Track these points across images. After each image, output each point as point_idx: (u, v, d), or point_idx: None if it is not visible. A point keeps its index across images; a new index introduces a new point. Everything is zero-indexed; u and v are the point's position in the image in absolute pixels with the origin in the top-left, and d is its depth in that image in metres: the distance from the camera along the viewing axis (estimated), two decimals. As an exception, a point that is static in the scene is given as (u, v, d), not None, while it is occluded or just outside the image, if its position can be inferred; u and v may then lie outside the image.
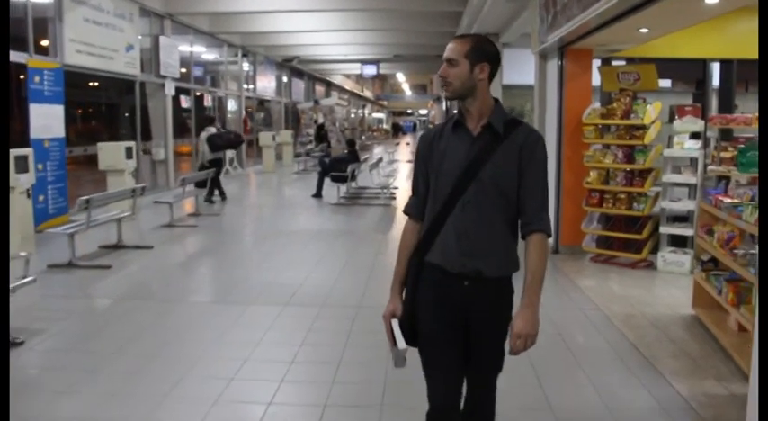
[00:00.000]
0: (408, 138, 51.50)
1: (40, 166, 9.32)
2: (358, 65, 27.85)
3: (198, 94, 18.02)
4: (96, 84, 14.34)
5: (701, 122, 7.32)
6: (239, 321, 5.50)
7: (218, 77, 20.60)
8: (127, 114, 15.05)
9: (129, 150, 11.09)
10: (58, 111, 10.29)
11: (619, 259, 7.67)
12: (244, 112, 21.70)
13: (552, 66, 8.62)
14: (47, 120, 9.95)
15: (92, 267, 7.42)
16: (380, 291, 6.44)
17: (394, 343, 2.47)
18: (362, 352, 4.76)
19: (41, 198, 9.58)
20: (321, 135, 25.53)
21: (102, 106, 16.74)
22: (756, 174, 4.68)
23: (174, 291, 6.73)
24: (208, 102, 19.37)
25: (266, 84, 24.92)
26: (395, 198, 13.91)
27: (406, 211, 2.65)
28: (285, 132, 23.97)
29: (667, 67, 8.65)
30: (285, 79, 27.75)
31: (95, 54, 11.86)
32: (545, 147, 2.51)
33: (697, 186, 7.07)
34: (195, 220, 10.87)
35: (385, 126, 66.50)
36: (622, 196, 7.53)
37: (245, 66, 22.39)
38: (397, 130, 63.16)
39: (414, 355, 2.51)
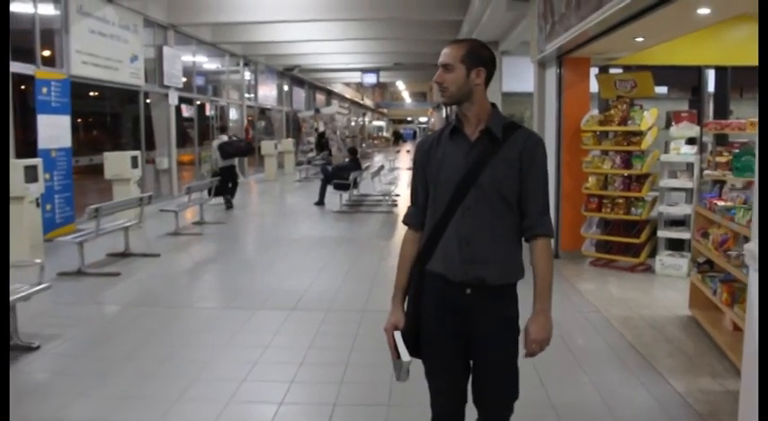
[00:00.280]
0: (408, 146, 51.71)
1: (47, 176, 9.46)
2: (358, 73, 28.04)
3: (199, 103, 18.18)
4: (96, 93, 14.48)
5: (697, 128, 7.47)
6: (247, 325, 5.64)
7: (219, 87, 20.78)
8: (129, 124, 15.22)
9: (134, 160, 11.24)
10: (65, 121, 10.45)
11: (618, 263, 7.81)
12: (246, 121, 21.87)
13: (551, 74, 8.78)
14: (54, 130, 10.12)
15: (101, 275, 7.56)
16: (384, 297, 6.58)
17: (397, 356, 2.44)
18: (369, 354, 4.89)
19: (48, 207, 9.72)
20: (322, 143, 25.69)
21: (104, 116, 16.89)
22: (751, 179, 4.82)
23: (181, 297, 6.88)
24: (211, 111, 19.53)
25: (267, 92, 25.11)
26: (396, 205, 14.05)
27: (405, 221, 2.62)
28: (287, 141, 24.15)
29: (664, 74, 8.82)
30: (286, 88, 27.94)
31: (101, 65, 12.03)
32: (545, 150, 2.50)
33: (693, 191, 7.21)
34: (200, 228, 11.02)
35: (385, 134, 66.67)
36: (620, 201, 7.67)
37: (247, 75, 22.58)
38: (398, 138, 63.26)
39: (417, 363, 2.49)
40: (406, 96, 63.88)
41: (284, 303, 6.33)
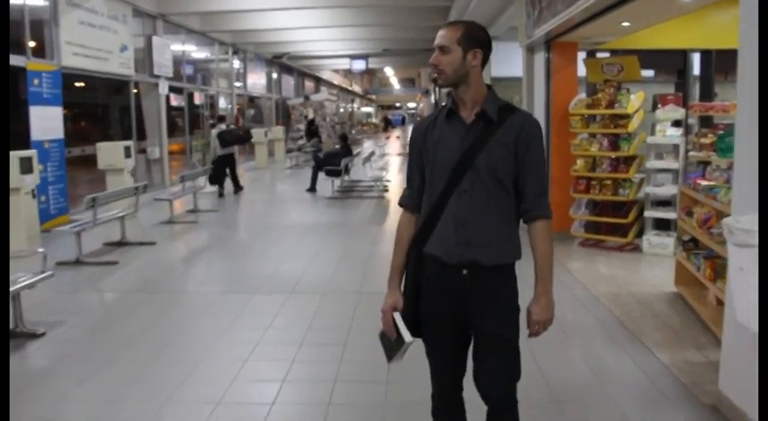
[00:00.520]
0: (398, 132, 51.73)
1: (41, 167, 9.53)
2: (347, 60, 28.03)
3: (188, 92, 18.22)
4: (86, 84, 14.48)
5: (682, 110, 7.63)
6: (246, 309, 5.79)
7: (209, 75, 20.79)
8: (120, 114, 15.26)
9: (127, 149, 11.32)
10: (57, 112, 10.51)
11: (606, 243, 7.99)
12: (236, 110, 21.90)
13: (539, 58, 8.92)
14: (46, 121, 10.17)
15: (99, 264, 7.67)
16: (379, 279, 6.72)
17: (397, 336, 2.46)
18: (367, 334, 5.00)
19: (43, 198, 9.79)
20: (312, 130, 25.73)
21: (95, 107, 16.91)
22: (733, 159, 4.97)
23: (180, 283, 7.03)
24: (200, 99, 19.56)
25: (256, 80, 25.10)
26: (388, 190, 14.18)
27: (401, 203, 2.61)
28: (277, 128, 24.20)
29: (650, 57, 8.99)
30: (275, 76, 27.93)
31: (91, 56, 12.04)
32: (542, 133, 2.49)
33: (679, 171, 7.38)
34: (194, 216, 11.12)
35: (374, 120, 66.61)
36: (608, 182, 7.84)
37: (236, 63, 22.58)
38: (388, 124, 63.17)
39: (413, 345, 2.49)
40: (395, 82, 63.76)
41: (282, 287, 6.48)
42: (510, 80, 13.08)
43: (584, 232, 8.24)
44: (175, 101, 17.42)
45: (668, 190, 7.63)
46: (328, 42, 23.10)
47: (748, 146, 3.31)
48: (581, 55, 8.80)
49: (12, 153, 8.28)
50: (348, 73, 42.72)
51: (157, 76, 15.01)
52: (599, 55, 8.92)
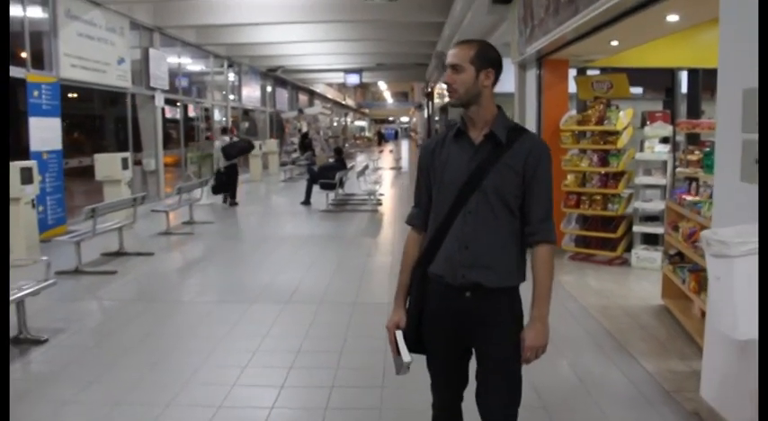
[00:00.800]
0: (391, 146, 52.03)
1: (39, 178, 9.65)
2: (341, 74, 28.29)
3: (183, 104, 18.35)
4: (83, 96, 14.60)
5: (670, 127, 7.83)
6: (244, 317, 5.92)
7: (203, 88, 20.96)
8: (116, 126, 15.39)
9: (124, 161, 11.46)
10: (56, 123, 10.64)
11: (596, 257, 8.16)
12: (230, 122, 22.05)
13: (531, 75, 9.13)
14: (45, 133, 10.30)
15: (98, 273, 7.79)
16: (373, 290, 6.96)
17: (398, 353, 2.47)
18: (362, 341, 5.20)
19: (41, 208, 9.90)
20: (306, 144, 25.90)
21: (87, 118, 17.02)
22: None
23: (178, 293, 7.15)
24: (195, 112, 19.71)
25: (251, 93, 25.29)
26: (381, 204, 14.34)
27: (408, 222, 2.63)
28: (271, 141, 24.36)
29: (639, 75, 9.21)
30: (269, 89, 28.12)
31: (89, 68, 12.19)
32: (551, 156, 2.46)
33: (667, 187, 7.57)
34: (190, 228, 11.24)
35: (367, 134, 66.89)
36: (598, 198, 8.03)
37: (231, 76, 22.76)
38: (381, 138, 63.46)
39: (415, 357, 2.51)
40: (388, 96, 64.20)
41: (278, 297, 6.62)
42: (502, 96, 13.20)
43: (574, 246, 8.40)
44: (170, 113, 17.56)
45: (656, 205, 7.81)
46: (322, 56, 23.33)
47: (727, 162, 3.49)
48: (572, 72, 9.02)
49: (12, 163, 8.41)
50: (342, 87, 43.07)
51: (154, 89, 15.17)
52: (589, 72, 9.15)
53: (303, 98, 36.24)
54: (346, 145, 42.72)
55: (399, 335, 2.50)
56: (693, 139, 7.70)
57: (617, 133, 7.87)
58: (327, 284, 7.21)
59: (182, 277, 8.05)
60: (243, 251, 9.72)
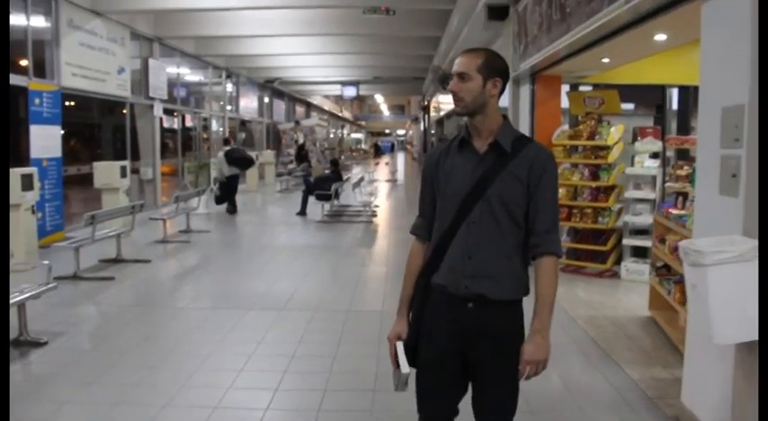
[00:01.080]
0: (387, 158, 52.26)
1: (39, 185, 9.77)
2: (338, 86, 28.50)
3: (176, 113, 18.50)
4: (82, 104, 14.73)
5: (660, 143, 8.00)
6: (240, 323, 6.04)
7: (201, 98, 21.12)
8: (114, 135, 15.50)
9: (123, 169, 11.60)
10: (56, 131, 10.79)
11: (586, 269, 8.29)
12: (227, 133, 22.19)
13: (525, 90, 9.31)
14: (45, 140, 10.44)
15: (96, 279, 7.90)
16: (367, 298, 7.09)
17: (397, 365, 2.44)
18: (355, 347, 5.33)
19: (39, 215, 10.00)
20: (302, 155, 26.07)
21: (84, 126, 17.10)
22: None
23: (175, 299, 7.27)
24: (194, 122, 19.86)
25: (248, 104, 25.47)
26: (376, 215, 14.48)
27: (413, 232, 2.60)
28: (267, 152, 24.52)
29: (630, 92, 9.41)
30: (267, 100, 28.30)
31: (89, 77, 12.34)
32: (556, 167, 2.44)
33: (656, 201, 7.73)
34: (187, 236, 11.36)
35: (364, 146, 67.13)
36: (589, 211, 8.18)
37: (229, 87, 22.94)
38: (378, 151, 63.69)
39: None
40: (385, 109, 64.50)
41: (273, 304, 6.75)
42: (497, 110, 13.48)
43: (565, 259, 8.53)
44: (167, 122, 17.71)
45: (646, 219, 7.96)
46: (320, 68, 23.56)
47: (707, 176, 3.65)
48: (564, 88, 9.19)
49: (14, 170, 8.54)
50: (339, 99, 43.29)
51: (152, 99, 15.33)
52: (581, 88, 9.34)
53: (300, 110, 36.43)
54: (342, 157, 42.93)
55: (400, 346, 2.48)
56: (683, 155, 7.87)
57: (608, 148, 8.03)
58: (322, 293, 7.34)
59: (178, 284, 8.17)
60: (239, 260, 9.84)
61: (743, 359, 3.21)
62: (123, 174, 11.57)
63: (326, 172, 16.17)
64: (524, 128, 9.19)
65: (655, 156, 8.03)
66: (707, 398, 3.69)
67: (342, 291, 7.41)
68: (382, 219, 14.36)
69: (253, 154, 21.78)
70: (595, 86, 9.17)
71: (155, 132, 15.51)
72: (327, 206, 14.31)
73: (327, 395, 4.36)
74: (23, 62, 10.53)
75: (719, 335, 3.05)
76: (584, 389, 4.50)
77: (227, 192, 14.81)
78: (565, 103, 9.03)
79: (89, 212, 8.02)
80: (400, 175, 29.60)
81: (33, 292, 5.29)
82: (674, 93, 9.46)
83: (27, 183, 8.61)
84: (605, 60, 7.54)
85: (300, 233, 12.44)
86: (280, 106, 31.09)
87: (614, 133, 8.04)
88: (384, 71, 24.51)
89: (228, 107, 22.65)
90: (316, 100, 37.81)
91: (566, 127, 8.81)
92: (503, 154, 2.36)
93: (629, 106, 10.52)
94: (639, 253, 8.12)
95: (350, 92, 28.75)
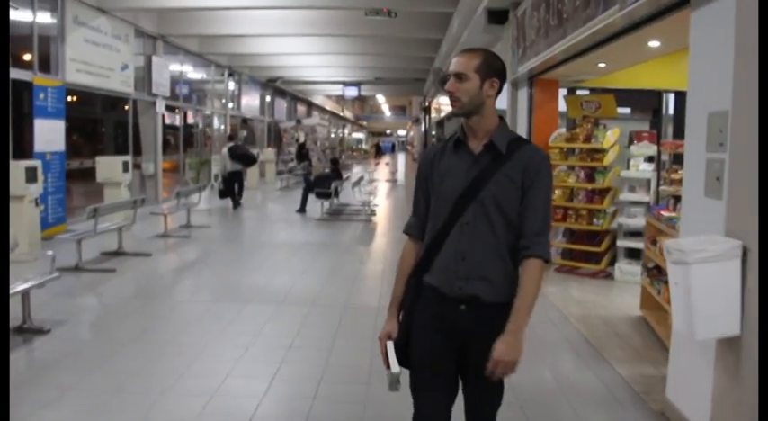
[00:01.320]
0: (387, 158, 52.40)
1: (42, 177, 9.88)
2: (340, 86, 28.62)
3: (177, 110, 18.62)
4: (86, 99, 14.86)
5: (655, 147, 8.12)
6: (239, 316, 6.17)
7: (203, 96, 21.24)
8: (116, 131, 15.66)
9: (125, 164, 11.73)
10: (60, 126, 10.91)
11: (580, 270, 8.42)
12: (229, 130, 22.31)
13: (523, 94, 9.44)
14: (49, 134, 10.57)
15: (97, 271, 8.03)
16: (364, 295, 7.22)
17: (388, 365, 2.44)
18: (350, 341, 5.46)
19: (41, 207, 10.13)
20: (302, 153, 26.18)
21: (86, 121, 17.24)
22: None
23: (175, 291, 7.41)
24: (196, 119, 19.99)
25: (250, 102, 25.59)
26: (375, 214, 14.60)
27: (406, 231, 2.58)
28: (268, 150, 24.64)
29: (627, 96, 9.53)
30: (268, 98, 28.42)
31: (93, 73, 12.46)
32: (550, 170, 2.41)
33: (650, 204, 7.85)
34: (187, 231, 11.47)
35: (364, 146, 67.26)
36: (584, 212, 8.30)
37: (231, 85, 23.06)
38: (378, 151, 63.77)
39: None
40: (386, 110, 64.68)
41: (272, 298, 6.88)
42: (496, 112, 13.61)
43: (560, 259, 8.67)
44: (168, 119, 17.82)
45: (639, 221, 8.07)
46: (322, 69, 23.69)
47: (693, 179, 3.77)
48: (562, 91, 9.32)
49: (19, 162, 8.68)
50: (340, 99, 43.40)
51: (155, 95, 15.44)
52: (579, 92, 9.47)
53: (301, 109, 36.57)
54: (342, 156, 43.06)
55: (390, 345, 2.47)
56: (678, 159, 7.98)
57: (603, 151, 8.16)
58: (320, 288, 7.46)
59: (178, 277, 8.30)
60: (238, 255, 9.96)
61: (723, 354, 3.33)
62: (125, 169, 11.70)
63: (327, 170, 16.30)
64: (522, 130, 9.31)
65: (650, 159, 8.16)
66: (690, 392, 3.81)
67: (339, 286, 7.53)
68: (381, 217, 14.50)
69: (254, 151, 22.00)
70: (592, 91, 9.30)
71: (157, 129, 15.62)
72: (327, 204, 14.44)
73: (322, 385, 4.48)
74: (29, 57, 10.66)
75: (701, 331, 3.18)
76: (574, 385, 4.63)
77: (230, 187, 15.06)
78: (562, 106, 9.15)
79: (92, 206, 8.13)
80: (400, 176, 29.74)
81: (38, 282, 5.41)
82: (671, 98, 9.59)
83: (31, 176, 8.73)
84: (601, 65, 7.67)
85: (300, 230, 12.57)
86: (281, 105, 31.22)
87: (610, 136, 8.16)
88: (385, 72, 24.64)
89: (230, 105, 22.76)
90: (317, 99, 37.94)
91: (563, 130, 8.95)
92: (498, 155, 2.34)
93: (626, 110, 10.65)
94: (633, 254, 8.23)
95: (351, 92, 28.88)
